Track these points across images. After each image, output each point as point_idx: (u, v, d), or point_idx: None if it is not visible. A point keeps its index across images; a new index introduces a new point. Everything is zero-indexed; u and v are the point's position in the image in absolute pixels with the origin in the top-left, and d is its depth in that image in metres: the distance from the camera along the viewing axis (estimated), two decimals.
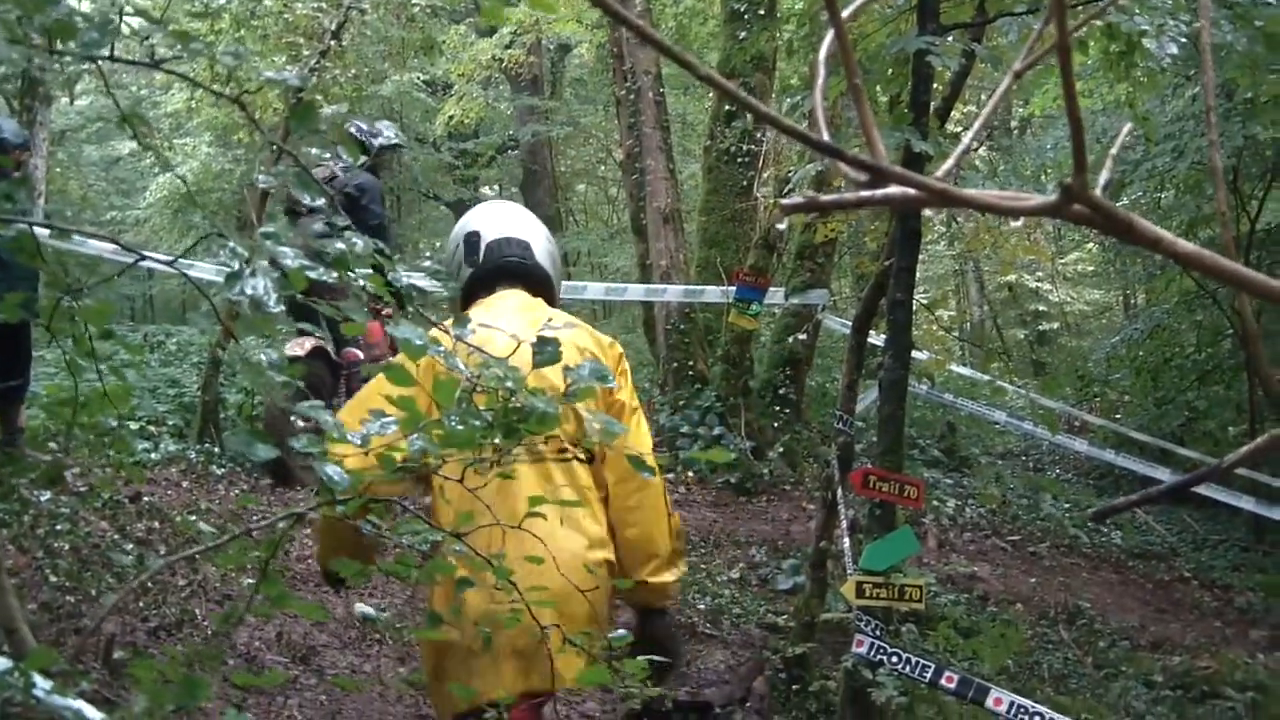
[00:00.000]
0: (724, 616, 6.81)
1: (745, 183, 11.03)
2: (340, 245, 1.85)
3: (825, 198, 1.02)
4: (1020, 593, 8.96)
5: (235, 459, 7.97)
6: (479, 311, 3.32)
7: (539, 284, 3.56)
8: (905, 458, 8.62)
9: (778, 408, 10.77)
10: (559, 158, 21.74)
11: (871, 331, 6.76)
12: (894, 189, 1.00)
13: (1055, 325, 23.12)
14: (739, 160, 11.15)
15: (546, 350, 1.99)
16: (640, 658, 2.55)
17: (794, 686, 5.91)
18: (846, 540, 5.84)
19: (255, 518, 6.18)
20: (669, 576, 3.40)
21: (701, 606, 6.87)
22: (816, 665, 6.00)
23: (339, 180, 7.73)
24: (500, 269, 3.54)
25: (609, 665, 2.48)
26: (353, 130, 8.07)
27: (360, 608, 2.57)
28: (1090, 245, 21.24)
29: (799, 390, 11.08)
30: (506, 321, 3.13)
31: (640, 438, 3.33)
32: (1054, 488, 12.08)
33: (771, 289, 9.97)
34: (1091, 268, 22.18)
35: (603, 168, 23.18)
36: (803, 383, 11.26)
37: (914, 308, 5.88)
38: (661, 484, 3.36)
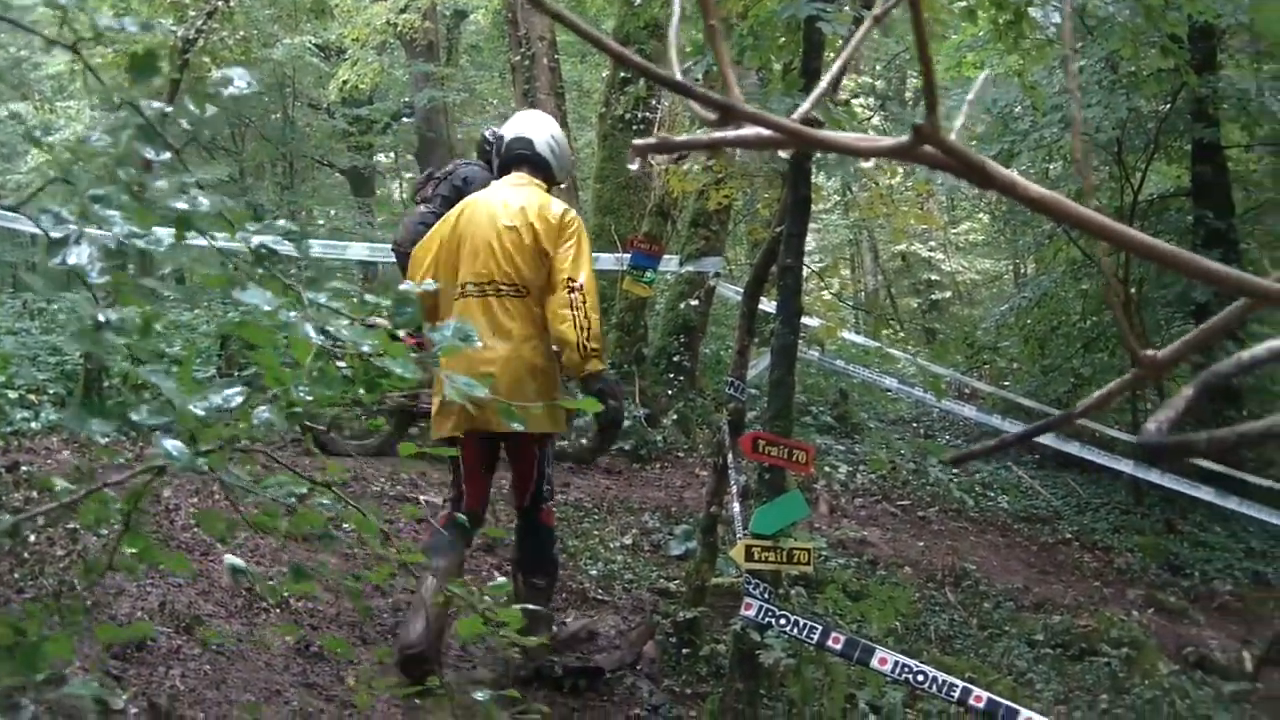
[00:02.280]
0: (616, 582, 6.82)
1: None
2: (182, 205, 1.79)
3: (678, 138, 1.00)
4: (909, 556, 9.09)
5: (122, 429, 7.79)
6: (495, 189, 5.43)
7: (539, 167, 5.46)
8: (797, 424, 8.71)
9: (672, 375, 10.80)
10: (455, 124, 21.51)
11: (764, 298, 6.77)
12: (748, 130, 0.99)
13: (947, 294, 23.42)
14: (634, 127, 11.12)
15: (405, 310, 1.97)
16: (516, 607, 2.55)
17: (684, 650, 5.94)
18: (737, 505, 5.87)
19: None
20: (590, 367, 5.03)
21: (593, 572, 6.88)
22: (707, 629, 6.04)
23: (455, 174, 8.18)
24: (512, 158, 5.50)
25: (485, 620, 2.46)
26: (487, 134, 8.18)
27: (229, 559, 2.52)
28: (982, 215, 21.55)
29: (693, 357, 11.11)
30: (504, 191, 5.34)
31: (575, 262, 5.13)
32: (943, 453, 12.24)
33: (666, 256, 9.96)
34: (983, 237, 22.50)
35: None
36: (697, 350, 11.29)
37: (805, 274, 5.92)
38: (581, 298, 5.04)
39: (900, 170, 11.49)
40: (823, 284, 7.08)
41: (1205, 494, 10.09)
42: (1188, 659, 8.51)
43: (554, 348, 5.14)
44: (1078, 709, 6.87)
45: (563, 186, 5.86)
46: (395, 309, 1.98)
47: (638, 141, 1.00)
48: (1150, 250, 0.99)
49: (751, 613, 4.99)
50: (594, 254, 10.28)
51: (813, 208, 5.54)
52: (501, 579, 3.07)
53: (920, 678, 4.98)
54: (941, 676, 5.01)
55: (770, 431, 5.26)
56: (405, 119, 20.87)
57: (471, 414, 4.79)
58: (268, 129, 18.62)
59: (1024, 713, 4.94)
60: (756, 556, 5.05)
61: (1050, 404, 12.40)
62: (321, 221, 19.97)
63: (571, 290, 5.04)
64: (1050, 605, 8.76)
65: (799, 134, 0.96)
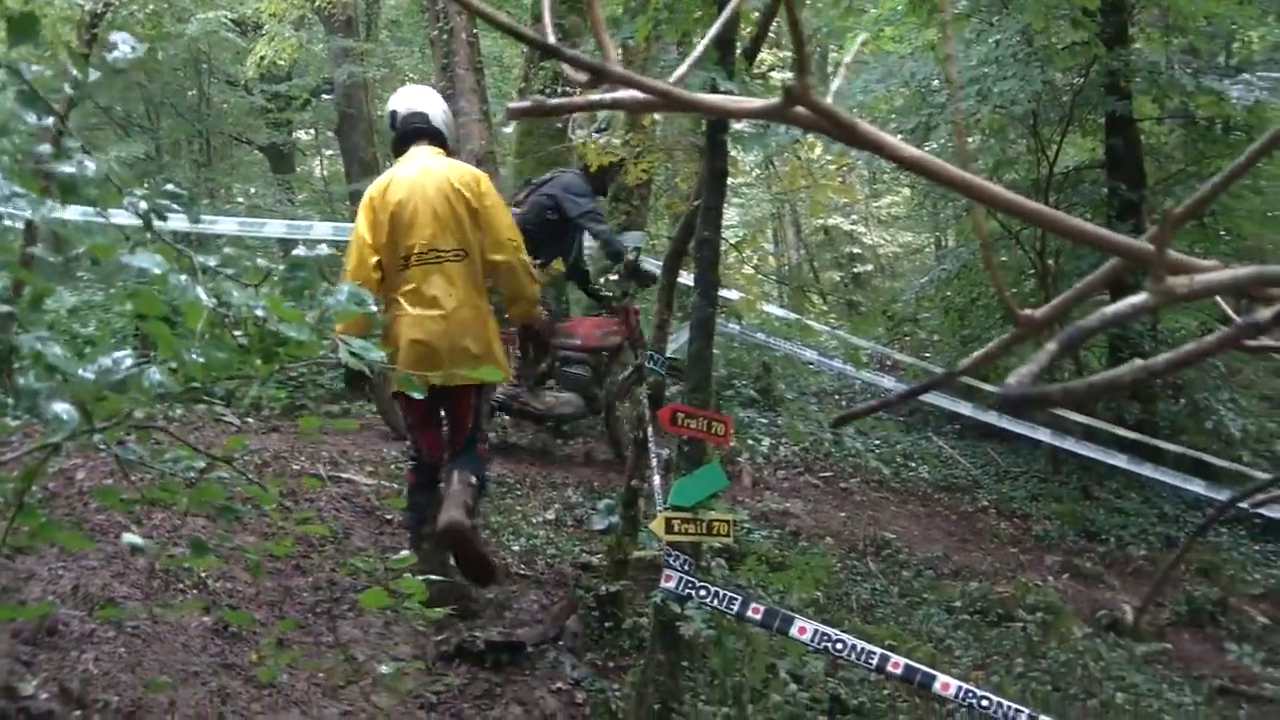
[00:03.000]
0: (538, 557, 6.82)
1: (560, 125, 10.96)
2: (68, 169, 1.76)
3: (552, 100, 1.00)
4: (831, 527, 9.17)
5: (31, 409, 7.67)
6: (400, 163, 5.93)
7: (435, 139, 5.97)
8: (720, 398, 8.75)
9: None
10: (375, 101, 21.30)
11: (684, 271, 6.78)
12: (623, 92, 0.99)
13: (869, 267, 23.57)
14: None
15: (298, 274, 1.95)
16: (419, 578, 2.56)
17: (607, 624, 5.96)
18: (657, 479, 5.90)
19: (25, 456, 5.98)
20: (535, 314, 6.40)
21: (516, 548, 6.87)
22: (629, 603, 6.06)
23: (551, 182, 9.13)
24: (410, 132, 5.98)
25: (389, 591, 2.46)
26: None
27: (127, 537, 2.50)
28: (903, 189, 21.70)
29: None
30: (424, 162, 5.83)
31: (507, 221, 5.90)
32: (864, 425, 12.36)
33: None
34: (904, 211, 22.66)
35: None
36: None
37: (724, 247, 5.94)
38: (519, 260, 5.87)
39: (819, 144, 11.54)
40: (742, 257, 7.11)
41: (1120, 461, 10.26)
42: (1100, 622, 8.67)
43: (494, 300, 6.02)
44: (995, 673, 6.98)
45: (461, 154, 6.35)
46: (288, 273, 1.96)
47: (512, 105, 1.00)
48: (1017, 207, 1.01)
49: (671, 585, 5.01)
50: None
51: (736, 182, 5.59)
52: (405, 552, 3.08)
53: (839, 646, 5.03)
54: (860, 644, 5.07)
55: (689, 404, 5.28)
56: (325, 95, 20.63)
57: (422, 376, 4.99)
58: (183, 106, 18.35)
59: (940, 677, 5.01)
60: (676, 529, 5.07)
61: (999, 397, 12.52)
62: (240, 199, 19.74)
63: (517, 249, 5.88)
64: (969, 573, 8.88)
65: (669, 94, 0.96)
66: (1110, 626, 8.72)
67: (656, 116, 7.75)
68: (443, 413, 5.91)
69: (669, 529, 5.06)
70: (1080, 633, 7.98)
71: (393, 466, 7.63)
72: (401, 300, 5.63)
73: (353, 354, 1.95)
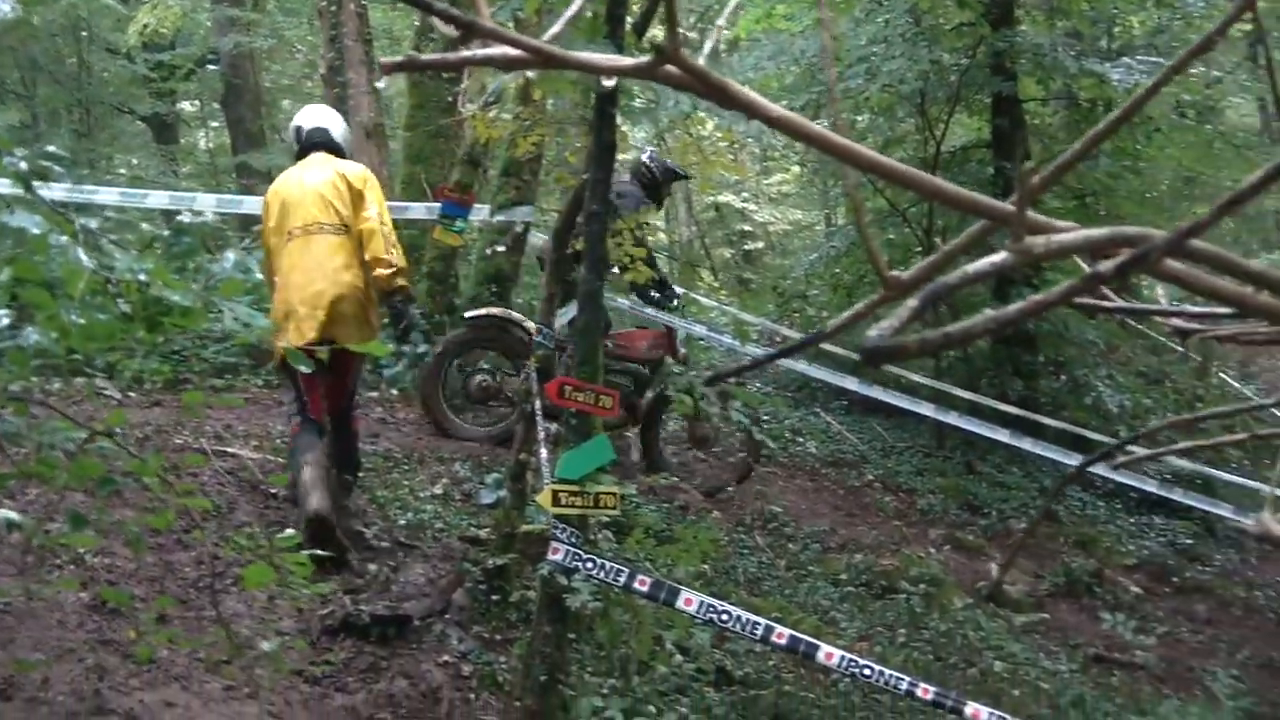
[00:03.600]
0: (425, 531, 6.79)
1: (450, 98, 10.87)
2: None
3: (425, 56, 1.00)
4: (719, 501, 9.24)
5: None
6: (299, 166, 6.68)
7: (335, 150, 6.75)
8: (609, 372, 8.75)
9: None
10: (262, 72, 20.94)
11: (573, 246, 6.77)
12: (495, 49, 0.99)
13: (760, 244, 23.73)
14: (443, 75, 10.98)
15: (183, 240, 1.93)
16: (305, 553, 2.53)
17: (494, 597, 5.96)
18: (545, 452, 5.89)
19: None
20: (396, 282, 6.42)
21: (403, 522, 6.84)
22: (517, 576, 6.06)
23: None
24: (312, 145, 6.75)
25: (273, 565, 2.44)
26: (646, 159, 9.62)
27: (2, 513, 2.45)
28: (794, 167, 21.86)
29: (506, 307, 11.06)
30: (315, 169, 6.55)
31: (377, 205, 6.48)
32: (754, 400, 12.45)
33: (477, 206, 9.88)
34: (795, 188, 22.82)
35: (309, 83, 22.44)
36: (509, 299, 11.24)
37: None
38: (380, 227, 6.41)
39: (710, 120, 11.58)
40: (633, 233, 7.12)
41: (1002, 436, 10.46)
42: (981, 593, 8.86)
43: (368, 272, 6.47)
44: (879, 644, 7.10)
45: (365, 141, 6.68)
46: (172, 239, 1.93)
47: (384, 60, 0.99)
48: (879, 166, 1.02)
49: (558, 557, 5.01)
50: (404, 203, 10.19)
51: (627, 158, 5.57)
52: (290, 530, 3.05)
53: (725, 617, 5.07)
54: (745, 615, 5.12)
55: (576, 377, 5.28)
56: (210, 65, 20.26)
57: (305, 334, 6.10)
58: (61, 73, 17.89)
59: (824, 648, 5.08)
60: (563, 501, 5.07)
61: (855, 350, 12.69)
62: (122, 170, 19.30)
63: (382, 224, 6.45)
64: (855, 546, 9.02)
65: (541, 50, 0.96)
66: (990, 597, 8.91)
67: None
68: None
69: (556, 501, 5.06)
70: (961, 604, 8.15)
71: (278, 441, 7.54)
72: (286, 270, 6.32)
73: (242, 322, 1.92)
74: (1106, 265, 0.95)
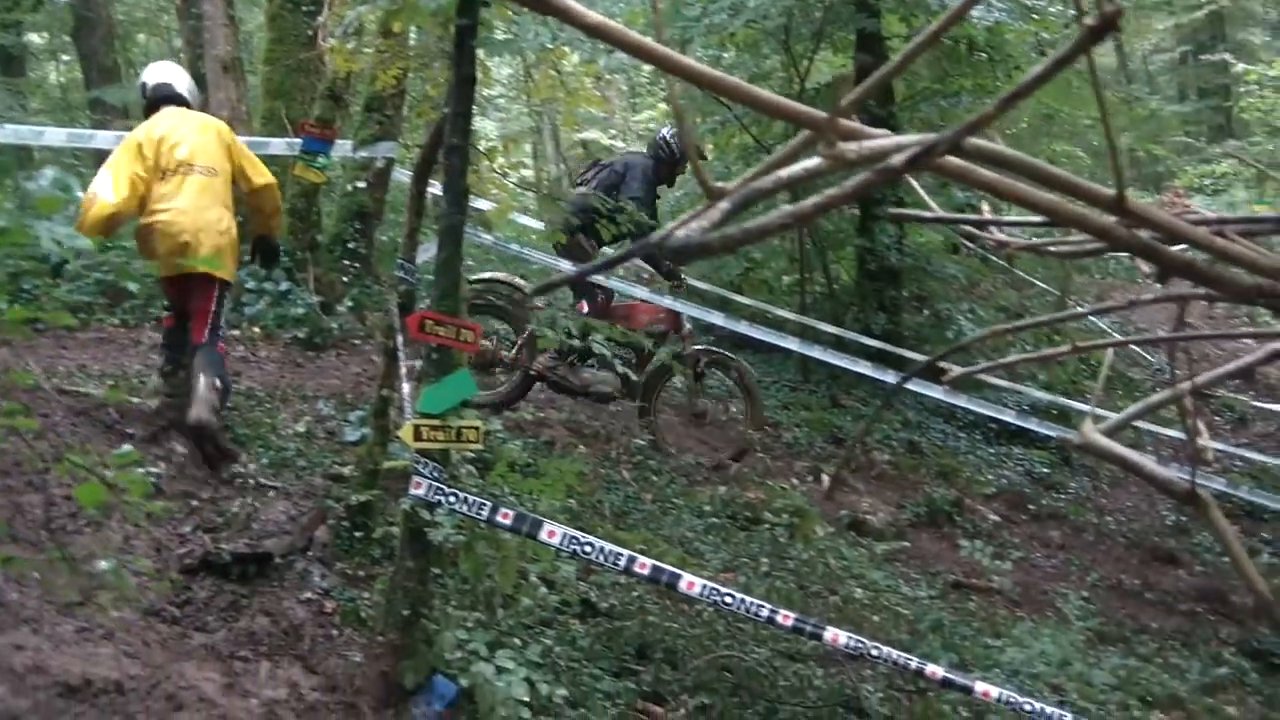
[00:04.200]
0: (287, 469, 6.72)
1: (310, 32, 10.66)
2: None
3: None
4: (585, 436, 9.28)
5: None
6: (155, 117, 7.02)
7: (182, 103, 7.19)
8: (475, 308, 8.71)
9: (347, 261, 10.61)
10: (115, 4, 20.31)
11: (435, 181, 6.70)
12: None
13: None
14: (303, 9, 10.77)
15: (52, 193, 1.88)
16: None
17: (357, 534, 5.94)
18: (407, 387, 5.85)
19: None
20: (279, 229, 7.60)
21: (265, 460, 6.75)
22: (381, 512, 6.04)
23: (619, 162, 9.90)
24: (160, 99, 7.17)
25: (109, 485, 2.40)
26: (666, 134, 10.08)
27: None
28: (661, 105, 21.83)
29: (368, 244, 10.95)
30: (168, 119, 6.99)
31: (256, 163, 7.22)
32: (617, 335, 12.50)
33: (339, 141, 9.72)
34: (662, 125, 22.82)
35: (166, 16, 21.82)
36: (372, 236, 11.12)
37: (471, 155, 5.88)
38: (273, 182, 7.29)
39: (575, 54, 11.47)
40: (493, 166, 7.07)
41: (865, 369, 10.63)
42: (842, 522, 9.03)
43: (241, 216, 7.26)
44: (743, 575, 7.20)
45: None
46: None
47: None
48: (700, 75, 1.03)
49: (420, 491, 5.00)
50: (264, 139, 9.99)
51: (493, 94, 5.52)
52: (127, 447, 3.00)
53: (588, 549, 5.11)
54: (608, 547, 5.16)
55: (438, 311, 5.24)
56: None
57: (172, 262, 6.68)
58: None
59: (685, 577, 5.15)
60: (425, 436, 5.05)
61: (725, 286, 12.79)
62: None
63: (272, 187, 7.27)
64: (720, 479, 9.12)
65: None
66: (852, 526, 9.09)
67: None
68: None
69: (418, 436, 5.04)
70: (823, 533, 8.31)
71: (135, 380, 7.40)
72: (158, 204, 6.73)
73: (58, 244, 1.87)
74: (898, 158, 0.97)
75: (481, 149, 6.81)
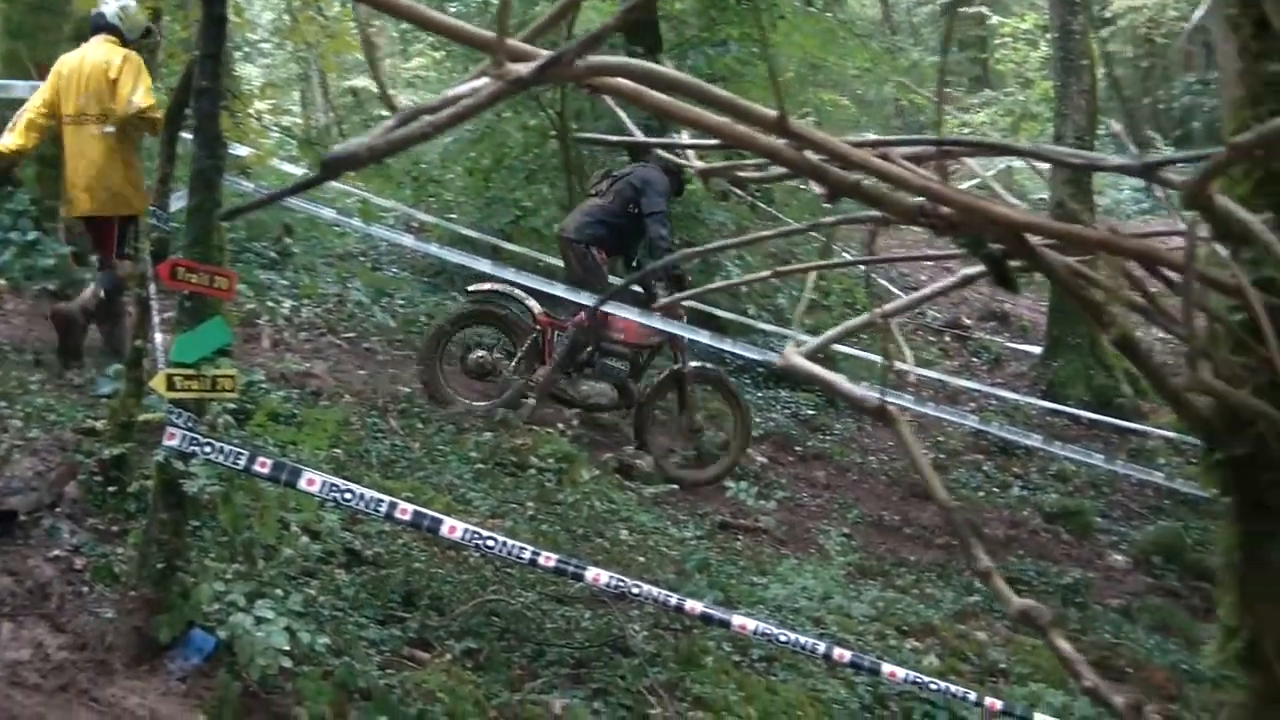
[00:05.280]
0: (34, 424, 6.45)
1: None
2: None
3: None
4: (353, 387, 9.17)
5: None
6: (81, 48, 8.01)
7: (111, 31, 7.95)
8: (239, 261, 8.53)
9: None
10: None
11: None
12: None
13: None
14: None
15: None
16: None
17: (110, 489, 5.75)
18: (160, 337, 5.71)
19: None
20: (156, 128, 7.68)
21: (18, 422, 6.46)
22: (136, 466, 5.86)
23: (635, 175, 9.76)
24: (93, 28, 7.99)
25: None
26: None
27: None
28: (434, 52, 21.55)
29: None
30: (88, 49, 7.91)
31: (139, 85, 7.80)
32: (383, 283, 12.38)
33: None
34: (435, 73, 22.53)
35: None
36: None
37: (224, 98, 5.73)
38: (145, 109, 7.77)
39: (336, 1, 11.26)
40: (247, 111, 6.94)
41: (633, 315, 10.72)
42: (609, 465, 9.16)
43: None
44: (510, 520, 7.24)
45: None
46: None
47: None
48: (389, 5, 1.04)
49: (174, 442, 4.89)
50: (7, 81, 9.50)
51: (256, 38, 5.38)
52: None
53: (348, 496, 5.09)
54: (369, 493, 5.14)
55: (190, 258, 5.11)
56: None
57: (79, 204, 7.99)
58: None
59: (447, 521, 5.17)
60: (179, 385, 4.94)
61: (494, 234, 12.75)
62: None
63: (139, 112, 7.80)
64: (488, 425, 9.12)
65: None
66: (620, 470, 9.22)
67: None
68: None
69: (171, 386, 4.93)
70: (589, 476, 8.40)
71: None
72: (67, 151, 7.95)
73: None
74: (524, 67, 1.00)
75: (235, 94, 6.65)
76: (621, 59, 1.10)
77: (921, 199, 1.31)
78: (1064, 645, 1.47)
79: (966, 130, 26.56)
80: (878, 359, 11.77)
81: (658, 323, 9.69)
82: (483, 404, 9.40)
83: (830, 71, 18.20)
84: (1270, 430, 1.48)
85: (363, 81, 21.75)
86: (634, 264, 10.19)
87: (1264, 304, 1.42)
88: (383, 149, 0.97)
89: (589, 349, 9.78)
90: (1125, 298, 1.48)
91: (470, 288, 9.88)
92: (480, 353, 9.64)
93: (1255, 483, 1.58)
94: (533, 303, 9.71)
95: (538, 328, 9.68)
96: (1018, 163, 19.74)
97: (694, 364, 10.18)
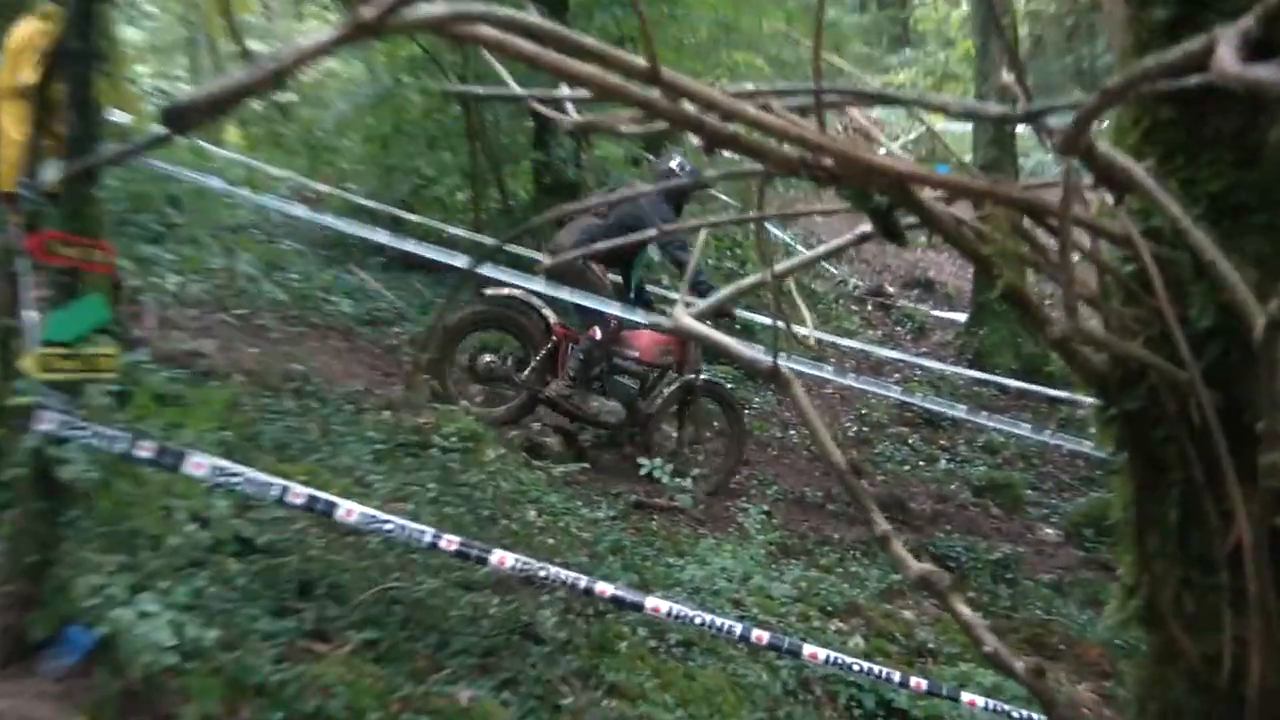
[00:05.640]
0: None
1: None
2: None
3: None
4: (244, 365, 8.83)
5: None
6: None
7: None
8: (122, 234, 8.14)
9: None
10: None
11: None
12: None
13: (294, 98, 22.82)
14: None
15: None
16: None
17: None
18: (34, 314, 5.37)
19: None
20: None
21: None
22: (6, 454, 5.52)
23: (643, 209, 9.38)
24: None
25: None
26: (675, 166, 9.84)
27: None
28: (330, 15, 21.04)
29: None
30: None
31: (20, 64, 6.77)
32: (276, 256, 11.99)
33: None
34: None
35: None
36: None
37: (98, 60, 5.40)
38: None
39: None
40: (122, 74, 6.64)
41: (540, 286, 10.50)
42: (515, 444, 8.92)
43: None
44: (412, 502, 6.98)
45: None
46: None
47: None
48: None
49: (48, 426, 4.59)
50: None
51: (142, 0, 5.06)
52: None
53: (235, 479, 4.83)
54: (260, 477, 4.89)
55: (65, 231, 4.80)
56: None
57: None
58: None
59: (342, 505, 4.92)
60: (53, 366, 4.64)
61: (394, 204, 12.43)
62: None
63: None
64: (391, 406, 8.84)
65: None
66: (528, 449, 8.99)
67: None
68: None
69: (45, 367, 4.63)
70: (494, 455, 8.15)
71: None
72: None
73: None
74: (367, 9, 0.93)
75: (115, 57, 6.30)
76: (523, 15, 1.05)
77: (804, 151, 1.26)
78: (964, 610, 1.49)
79: (888, 90, 26.64)
80: (779, 323, 11.67)
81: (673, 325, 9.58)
82: (490, 411, 9.43)
83: (745, 33, 18.07)
84: (1162, 383, 1.45)
85: (255, 44, 21.14)
86: (629, 279, 10.03)
87: (1152, 253, 1.41)
88: (223, 97, 0.84)
89: (601, 364, 9.63)
90: (1013, 249, 1.45)
91: (486, 291, 9.68)
92: (491, 358, 9.61)
93: (1148, 438, 1.56)
94: (549, 312, 9.63)
95: (554, 338, 9.60)
96: (956, 126, 19.77)
97: (703, 378, 10.12)
